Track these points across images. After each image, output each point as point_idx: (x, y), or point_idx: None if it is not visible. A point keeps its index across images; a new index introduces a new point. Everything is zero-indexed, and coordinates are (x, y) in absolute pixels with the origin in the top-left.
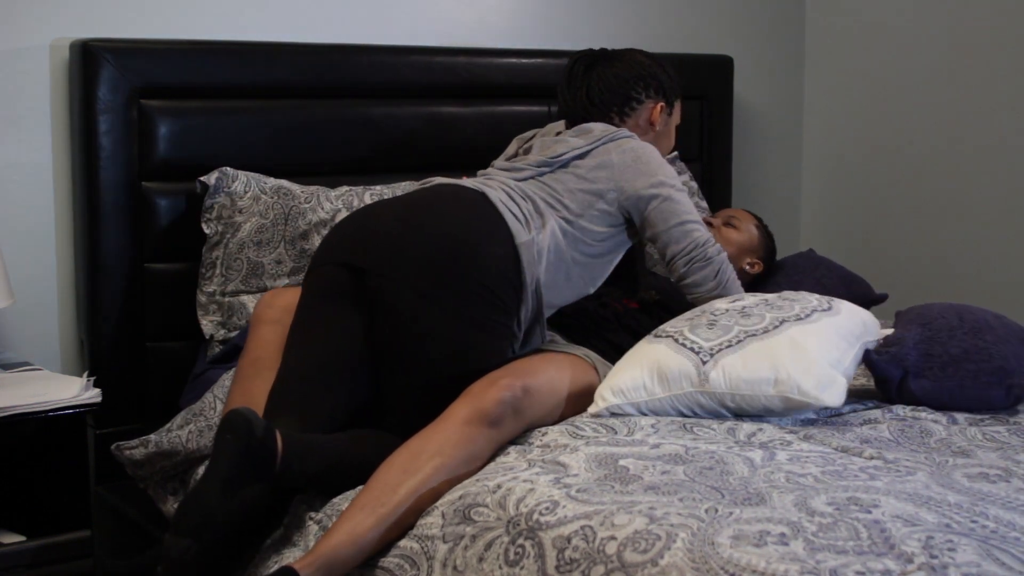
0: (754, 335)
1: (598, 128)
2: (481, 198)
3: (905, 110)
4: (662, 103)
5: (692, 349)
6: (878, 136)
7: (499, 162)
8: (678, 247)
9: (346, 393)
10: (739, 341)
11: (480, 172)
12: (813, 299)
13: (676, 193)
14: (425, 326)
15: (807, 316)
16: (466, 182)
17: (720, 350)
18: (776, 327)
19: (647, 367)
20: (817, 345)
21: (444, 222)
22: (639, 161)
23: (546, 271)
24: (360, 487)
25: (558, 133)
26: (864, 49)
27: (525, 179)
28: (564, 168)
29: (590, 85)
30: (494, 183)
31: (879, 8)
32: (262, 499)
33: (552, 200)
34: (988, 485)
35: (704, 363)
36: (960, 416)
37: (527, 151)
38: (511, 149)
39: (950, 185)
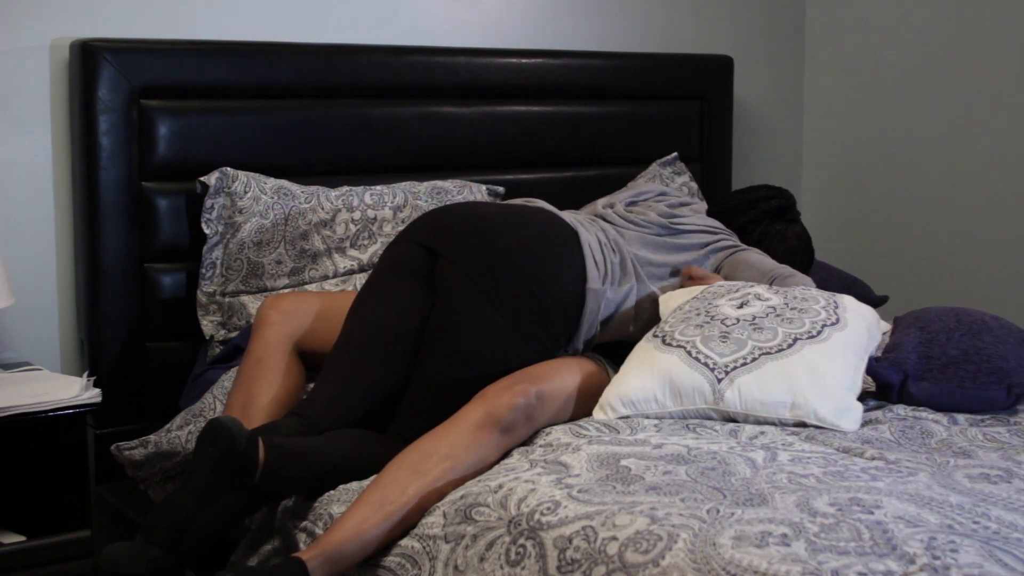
0: (768, 353)
1: (725, 232)
2: (572, 235)
3: (905, 110)
4: None
5: (706, 364)
6: (878, 136)
7: (620, 205)
8: (760, 274)
9: (392, 367)
10: (754, 359)
11: (603, 204)
12: (821, 310)
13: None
14: (473, 318)
15: (819, 333)
16: (565, 215)
17: (735, 368)
18: (790, 345)
19: (659, 379)
20: (833, 368)
21: (529, 242)
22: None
23: (604, 326)
24: (342, 485)
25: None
26: (864, 49)
27: (633, 232)
28: (675, 235)
29: (747, 227)
30: (592, 227)
31: (879, 8)
32: (240, 504)
33: (650, 265)
34: (989, 486)
35: (719, 380)
36: (960, 416)
37: (648, 206)
38: (644, 190)
39: (950, 185)
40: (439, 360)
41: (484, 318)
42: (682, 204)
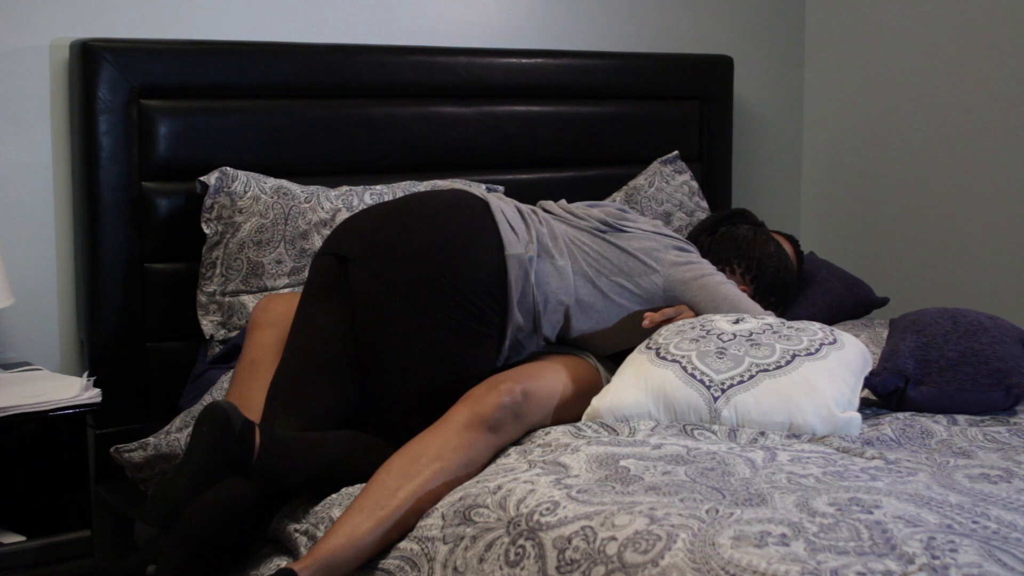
0: (766, 370)
1: (682, 242)
2: (480, 205)
3: (905, 110)
4: (748, 290)
5: (702, 382)
6: (878, 136)
7: (564, 202)
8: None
9: (336, 388)
10: (751, 376)
11: (543, 204)
12: (818, 330)
13: (723, 283)
14: (396, 324)
15: (817, 351)
16: (476, 190)
17: (732, 386)
18: (788, 362)
19: (652, 394)
20: (831, 386)
21: (431, 222)
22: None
23: (545, 302)
24: (344, 488)
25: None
26: (864, 49)
27: (574, 227)
28: (617, 234)
29: (714, 230)
30: (511, 201)
31: (879, 8)
32: (240, 496)
33: (588, 250)
34: (989, 486)
35: (715, 399)
36: (960, 417)
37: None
38: (605, 203)
39: (950, 185)
40: (378, 372)
41: (408, 321)
42: (640, 218)
